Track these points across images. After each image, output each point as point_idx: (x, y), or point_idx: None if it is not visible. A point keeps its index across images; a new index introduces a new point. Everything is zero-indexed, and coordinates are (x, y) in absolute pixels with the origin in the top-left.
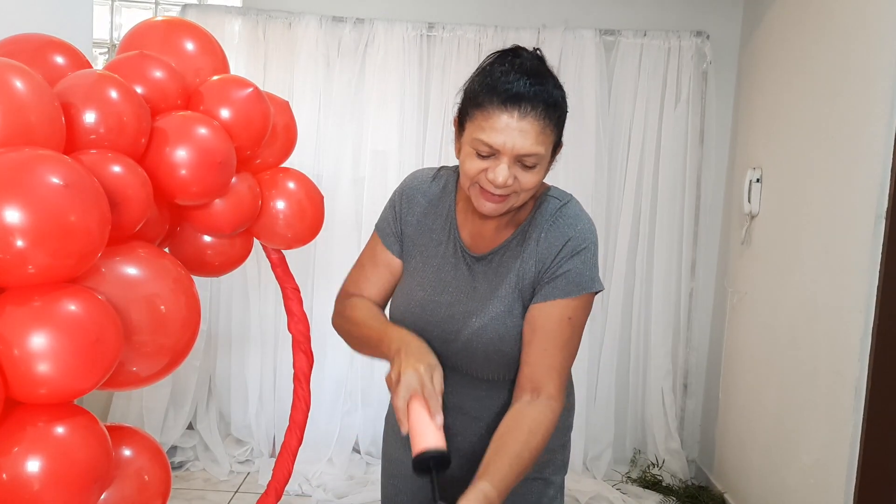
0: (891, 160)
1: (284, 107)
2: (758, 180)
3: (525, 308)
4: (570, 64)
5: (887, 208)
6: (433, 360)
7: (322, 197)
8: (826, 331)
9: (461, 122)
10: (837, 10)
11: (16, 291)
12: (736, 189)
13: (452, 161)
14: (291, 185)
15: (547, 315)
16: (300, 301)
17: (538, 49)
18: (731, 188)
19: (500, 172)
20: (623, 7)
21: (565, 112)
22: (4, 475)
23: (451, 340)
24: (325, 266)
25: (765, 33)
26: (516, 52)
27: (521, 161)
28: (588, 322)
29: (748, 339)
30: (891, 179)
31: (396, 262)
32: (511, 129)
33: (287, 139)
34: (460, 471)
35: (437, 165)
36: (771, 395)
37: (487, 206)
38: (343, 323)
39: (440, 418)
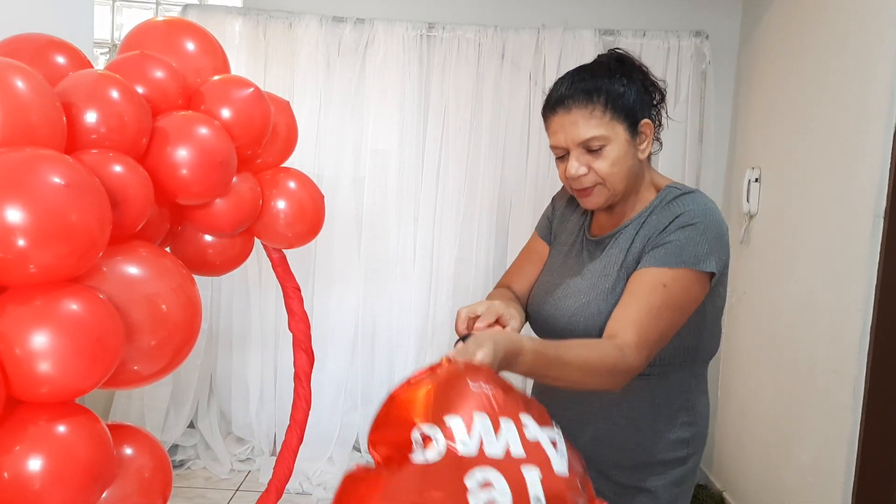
0: (889, 159)
1: (285, 107)
2: (756, 180)
3: None
4: (570, 64)
5: (886, 207)
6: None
7: (322, 196)
8: (824, 330)
9: None
10: (836, 9)
11: (17, 291)
12: (735, 188)
13: (451, 160)
14: (292, 184)
15: (639, 278)
16: (301, 300)
17: (618, 49)
18: (729, 188)
19: (571, 166)
20: (622, 7)
21: (620, 92)
22: (6, 474)
23: (559, 317)
24: (325, 265)
25: (764, 33)
26: (597, 58)
27: (587, 148)
28: None
29: (747, 338)
30: (889, 178)
31: (545, 248)
32: (563, 126)
33: (287, 139)
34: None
35: (437, 165)
36: (769, 393)
37: (584, 202)
38: None
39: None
